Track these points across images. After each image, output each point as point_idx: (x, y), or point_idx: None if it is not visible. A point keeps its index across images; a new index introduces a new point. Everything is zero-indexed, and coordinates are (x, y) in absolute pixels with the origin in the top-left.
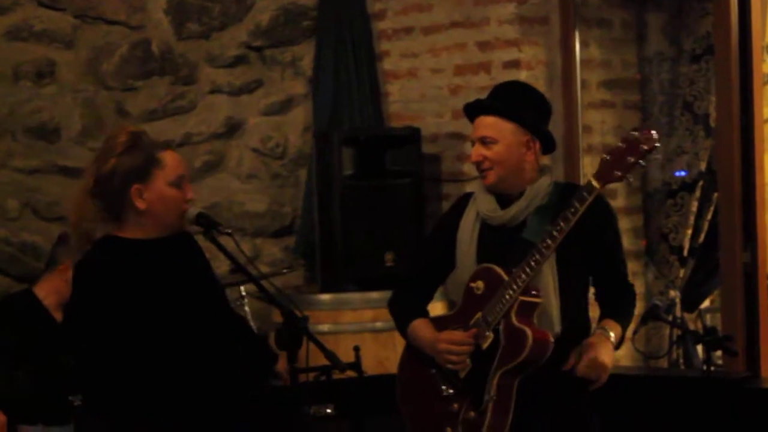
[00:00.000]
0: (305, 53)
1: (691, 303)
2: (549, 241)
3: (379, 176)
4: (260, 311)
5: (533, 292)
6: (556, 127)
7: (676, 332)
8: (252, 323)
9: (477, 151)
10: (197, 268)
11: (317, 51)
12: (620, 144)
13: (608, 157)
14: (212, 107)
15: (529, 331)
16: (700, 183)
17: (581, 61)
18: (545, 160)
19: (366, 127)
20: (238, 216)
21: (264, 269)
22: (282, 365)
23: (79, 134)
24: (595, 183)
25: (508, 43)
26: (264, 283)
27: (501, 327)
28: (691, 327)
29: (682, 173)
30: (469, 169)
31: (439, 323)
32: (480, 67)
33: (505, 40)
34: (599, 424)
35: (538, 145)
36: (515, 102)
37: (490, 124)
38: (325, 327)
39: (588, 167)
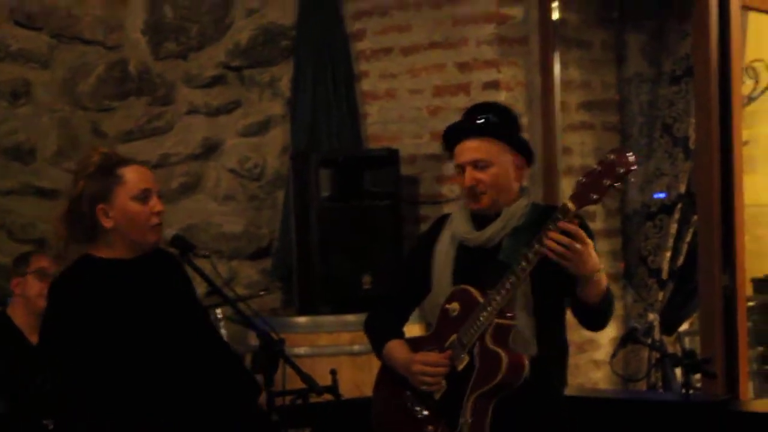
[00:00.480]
0: (284, 74)
1: (670, 326)
2: (524, 264)
3: (357, 198)
4: (236, 334)
5: (508, 315)
6: (534, 148)
7: (655, 355)
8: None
9: (471, 175)
10: (176, 288)
11: (295, 71)
12: (596, 167)
13: (584, 180)
14: (189, 128)
15: (503, 354)
16: (679, 205)
17: (561, 82)
18: (524, 181)
19: (344, 148)
20: (215, 238)
21: (241, 291)
22: (262, 399)
23: (54, 155)
24: (570, 205)
25: (487, 64)
26: (240, 305)
27: (476, 349)
28: (670, 350)
29: (661, 195)
30: (447, 191)
31: (415, 344)
32: (459, 88)
33: (484, 60)
34: None
35: (524, 162)
36: (500, 122)
37: (480, 147)
38: (301, 350)
39: (567, 189)
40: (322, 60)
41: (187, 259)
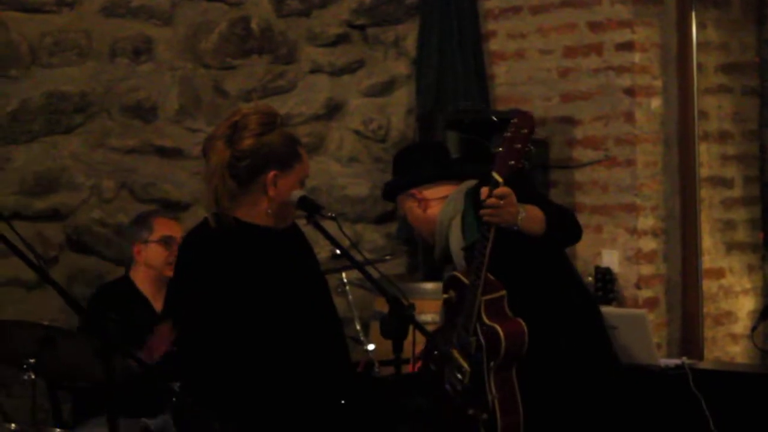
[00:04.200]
0: (409, 33)
1: None
2: (485, 241)
3: (484, 161)
4: (361, 299)
5: (494, 288)
6: (670, 111)
7: None
8: (354, 311)
9: None
10: (309, 264)
11: (421, 30)
12: (506, 133)
13: (500, 149)
14: (312, 87)
15: (498, 328)
16: None
17: (697, 43)
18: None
19: (471, 109)
20: (339, 200)
21: (366, 256)
22: None
23: (176, 113)
24: (497, 177)
25: (621, 24)
26: (369, 269)
27: (479, 329)
28: None
29: None
30: (578, 155)
31: (433, 338)
32: (591, 48)
33: (617, 20)
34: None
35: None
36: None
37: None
38: (428, 317)
39: (704, 155)
40: (448, 19)
41: (314, 221)
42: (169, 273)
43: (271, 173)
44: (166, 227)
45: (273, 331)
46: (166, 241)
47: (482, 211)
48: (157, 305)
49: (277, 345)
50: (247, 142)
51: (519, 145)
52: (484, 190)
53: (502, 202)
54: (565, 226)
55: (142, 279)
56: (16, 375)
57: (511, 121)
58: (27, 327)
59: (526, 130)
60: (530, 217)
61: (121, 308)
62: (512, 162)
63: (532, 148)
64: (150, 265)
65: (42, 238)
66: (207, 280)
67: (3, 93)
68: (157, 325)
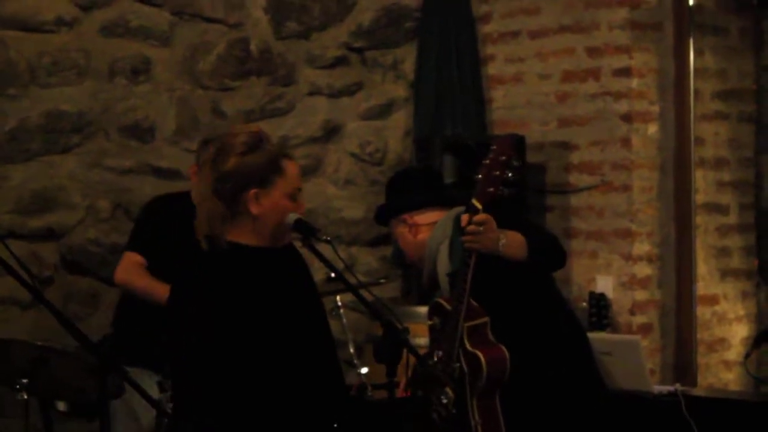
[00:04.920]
0: (407, 56)
1: None
2: (466, 268)
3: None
4: (355, 322)
5: (476, 314)
6: (667, 137)
7: None
8: (348, 334)
9: None
10: (304, 285)
11: (419, 54)
12: (485, 161)
13: (480, 177)
14: (311, 109)
15: (480, 354)
16: None
17: (695, 69)
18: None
19: (468, 134)
20: (334, 223)
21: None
22: None
23: (173, 134)
24: (477, 204)
25: (619, 50)
26: (363, 292)
27: (461, 356)
28: None
29: None
30: (575, 179)
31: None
32: (589, 73)
33: (615, 45)
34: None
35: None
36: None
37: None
38: (422, 340)
39: (700, 181)
40: (446, 42)
41: (308, 244)
42: None
43: (252, 191)
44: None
45: (263, 352)
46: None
47: (463, 238)
48: None
49: (268, 366)
50: (230, 164)
51: (497, 172)
52: (464, 218)
53: (481, 228)
54: (547, 251)
55: None
56: (9, 394)
57: (491, 147)
58: (20, 346)
59: (504, 157)
60: (511, 242)
61: (173, 223)
62: (491, 189)
63: (511, 174)
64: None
65: (37, 257)
66: (199, 304)
67: (1, 111)
68: None
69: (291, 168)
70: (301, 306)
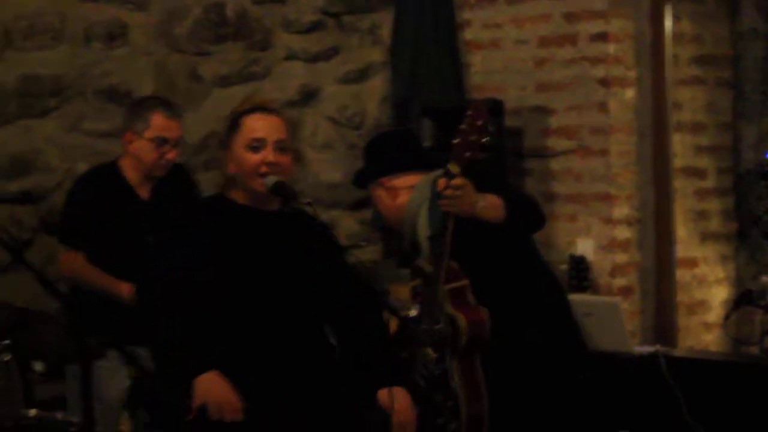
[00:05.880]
0: (384, 21)
1: None
2: (445, 231)
3: None
4: None
5: (455, 277)
6: (644, 102)
7: None
8: None
9: None
10: (303, 248)
11: (396, 19)
12: (461, 125)
13: (457, 140)
14: (287, 74)
15: (460, 315)
16: None
17: (672, 35)
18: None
19: (446, 98)
20: (313, 186)
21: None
22: None
23: None
24: (453, 168)
25: (596, 15)
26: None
27: (442, 318)
28: None
29: None
30: (552, 143)
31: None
32: (565, 39)
33: (592, 11)
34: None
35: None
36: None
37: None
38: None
39: (678, 145)
40: (423, 7)
41: (289, 207)
42: (159, 172)
43: (223, 153)
44: (163, 126)
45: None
46: (159, 142)
47: (440, 201)
48: (142, 194)
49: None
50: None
51: (474, 137)
52: (441, 181)
53: (459, 192)
54: (525, 213)
55: (129, 167)
56: None
57: (466, 112)
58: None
59: (480, 121)
60: (489, 205)
61: (104, 193)
62: (468, 153)
63: (487, 138)
64: (139, 159)
65: (16, 220)
66: (179, 251)
67: None
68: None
69: (248, 122)
70: (283, 262)
